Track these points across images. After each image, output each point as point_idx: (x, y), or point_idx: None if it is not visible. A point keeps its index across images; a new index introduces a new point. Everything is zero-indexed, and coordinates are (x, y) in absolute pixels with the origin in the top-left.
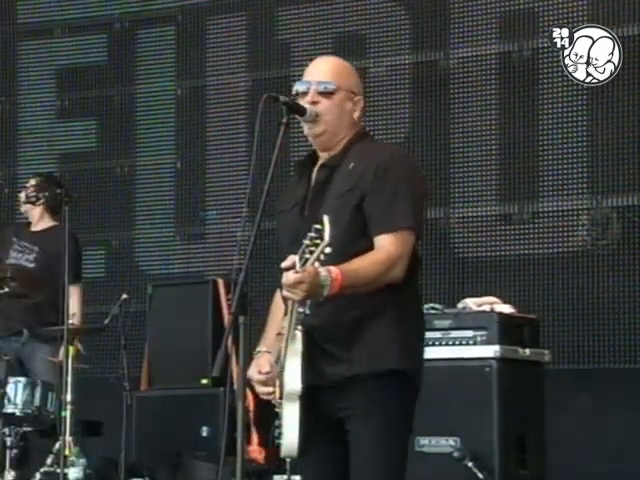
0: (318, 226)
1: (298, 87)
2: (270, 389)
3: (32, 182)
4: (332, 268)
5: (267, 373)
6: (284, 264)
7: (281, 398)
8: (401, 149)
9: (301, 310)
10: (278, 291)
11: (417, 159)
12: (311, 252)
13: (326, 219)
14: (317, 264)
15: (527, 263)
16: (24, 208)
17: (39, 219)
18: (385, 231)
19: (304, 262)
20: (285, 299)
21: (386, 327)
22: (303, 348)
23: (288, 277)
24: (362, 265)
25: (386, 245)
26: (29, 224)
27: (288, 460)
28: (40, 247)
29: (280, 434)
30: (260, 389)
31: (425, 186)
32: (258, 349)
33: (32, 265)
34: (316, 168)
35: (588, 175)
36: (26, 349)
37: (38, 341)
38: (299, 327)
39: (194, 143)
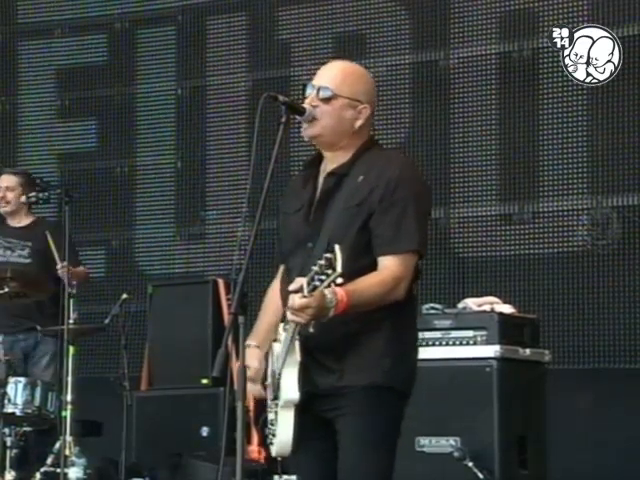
0: (329, 255)
1: (307, 90)
2: (258, 387)
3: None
4: (337, 289)
5: (255, 369)
6: (292, 287)
7: (274, 399)
8: (409, 162)
9: (306, 329)
10: (271, 286)
11: (417, 159)
12: (321, 280)
13: (338, 249)
14: (325, 291)
15: (527, 263)
16: (10, 208)
17: (23, 215)
18: (391, 252)
19: (312, 289)
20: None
21: (381, 342)
22: (300, 357)
23: (294, 301)
24: (367, 285)
25: (391, 266)
26: (4, 219)
27: (279, 460)
28: (32, 242)
29: (271, 436)
30: (248, 386)
31: (430, 200)
32: (248, 342)
33: (28, 261)
34: (323, 173)
35: (588, 175)
36: (35, 344)
37: (46, 335)
38: (297, 337)
39: (194, 143)
